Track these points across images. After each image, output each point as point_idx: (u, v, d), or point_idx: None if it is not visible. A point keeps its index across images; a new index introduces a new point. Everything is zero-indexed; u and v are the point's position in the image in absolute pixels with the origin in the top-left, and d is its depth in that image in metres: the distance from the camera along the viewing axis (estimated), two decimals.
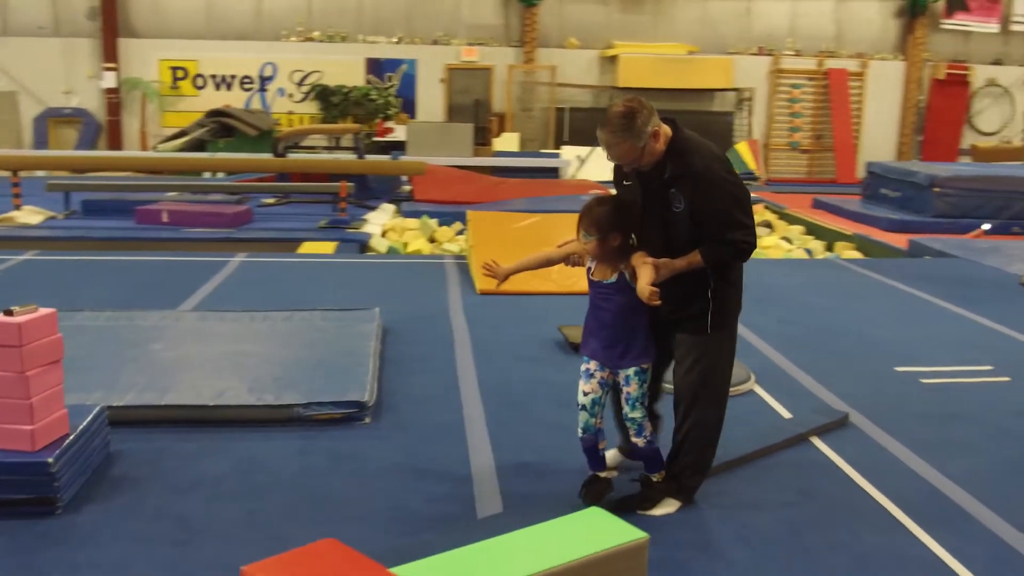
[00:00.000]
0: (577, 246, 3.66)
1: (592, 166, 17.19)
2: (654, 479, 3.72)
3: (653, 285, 3.33)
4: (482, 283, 7.57)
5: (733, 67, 18.21)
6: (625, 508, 3.61)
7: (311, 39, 17.82)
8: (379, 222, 11.88)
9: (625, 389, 3.61)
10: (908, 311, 7.38)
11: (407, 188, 14.25)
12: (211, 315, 6.09)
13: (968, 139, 19.10)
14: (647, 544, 2.30)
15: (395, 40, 17.99)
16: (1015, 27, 18.56)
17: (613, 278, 3.52)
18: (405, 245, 11.00)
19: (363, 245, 10.48)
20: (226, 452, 4.17)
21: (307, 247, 10.02)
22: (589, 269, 3.62)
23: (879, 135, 18.63)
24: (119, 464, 4.02)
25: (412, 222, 11.97)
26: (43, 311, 3.64)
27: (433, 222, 11.94)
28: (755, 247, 3.55)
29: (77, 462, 3.73)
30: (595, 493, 3.70)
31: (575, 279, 7.67)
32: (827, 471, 4.22)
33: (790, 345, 6.14)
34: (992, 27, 18.41)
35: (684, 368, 3.64)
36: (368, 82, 17.84)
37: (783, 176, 18.46)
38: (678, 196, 3.43)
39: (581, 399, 3.67)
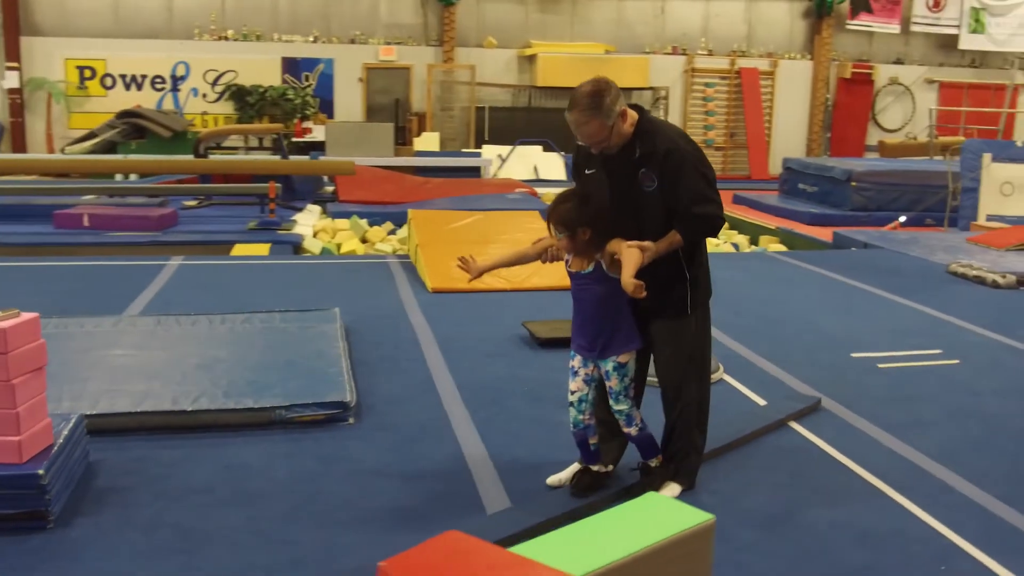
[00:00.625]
0: (552, 241, 3.66)
1: (513, 165, 17.24)
2: (652, 464, 3.77)
3: (638, 273, 3.34)
4: (434, 281, 7.52)
5: (649, 66, 18.50)
6: (582, 488, 3.68)
7: (225, 38, 17.41)
8: (308, 223, 11.69)
9: (607, 384, 3.62)
10: (848, 300, 7.62)
11: (330, 189, 14.07)
12: (167, 320, 5.89)
13: (873, 136, 19.83)
14: (714, 524, 2.32)
15: (311, 39, 17.73)
16: (915, 28, 19.36)
17: (590, 268, 3.53)
18: (338, 246, 10.86)
19: (296, 246, 10.30)
20: (211, 458, 4.05)
21: (240, 249, 9.79)
22: (567, 262, 3.62)
23: (790, 132, 19.19)
24: (102, 475, 3.86)
25: (342, 222, 11.80)
26: (26, 315, 3.47)
27: (363, 222, 11.81)
28: (724, 221, 3.63)
29: (63, 474, 3.57)
30: (585, 485, 3.72)
31: (526, 276, 7.70)
32: (811, 453, 4.33)
33: (747, 335, 6.28)
34: (894, 28, 19.16)
35: (667, 353, 3.69)
36: (285, 82, 17.53)
37: None
38: (649, 175, 3.47)
39: (569, 396, 3.69)
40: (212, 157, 13.18)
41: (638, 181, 3.49)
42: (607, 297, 3.54)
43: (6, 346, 3.33)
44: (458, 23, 17.97)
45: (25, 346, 3.43)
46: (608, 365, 3.58)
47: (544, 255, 3.73)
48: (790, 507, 3.73)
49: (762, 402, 4.98)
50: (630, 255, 3.38)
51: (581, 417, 3.67)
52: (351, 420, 4.51)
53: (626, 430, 3.70)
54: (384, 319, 6.54)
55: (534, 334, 5.96)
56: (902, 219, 12.41)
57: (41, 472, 3.36)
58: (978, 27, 19.17)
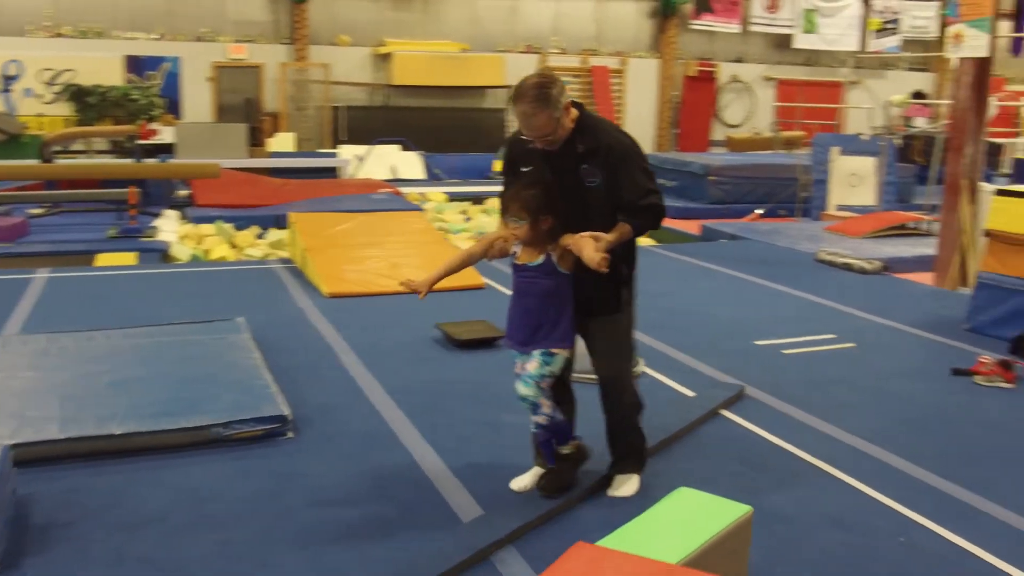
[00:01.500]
0: (497, 236, 3.62)
1: (371, 165, 17.01)
2: (564, 451, 3.70)
3: (582, 271, 3.36)
4: (329, 286, 7.33)
5: (504, 65, 18.64)
6: (547, 487, 3.67)
7: (61, 35, 16.35)
8: (171, 229, 11.16)
9: (523, 365, 3.57)
10: (734, 290, 7.93)
11: (184, 192, 13.49)
12: (58, 337, 5.48)
13: (717, 131, 20.69)
14: (752, 516, 2.37)
15: (156, 37, 16.90)
16: (753, 28, 20.30)
17: (539, 260, 3.51)
18: (207, 252, 10.42)
19: (163, 254, 9.83)
20: (156, 483, 3.80)
21: (105, 259, 9.25)
22: (514, 254, 3.58)
23: (640, 129, 19.73)
24: (36, 510, 3.56)
25: (207, 227, 11.31)
26: None
27: (229, 227, 11.38)
28: (666, 211, 3.66)
29: None
30: (554, 485, 3.68)
31: (415, 277, 7.59)
32: (753, 440, 4.48)
33: (653, 328, 6.41)
34: (734, 28, 20.04)
35: (605, 350, 3.70)
36: (128, 81, 16.64)
37: None
38: (592, 170, 3.48)
39: (523, 402, 3.63)
40: (59, 162, 12.36)
41: (580, 176, 3.50)
42: (554, 292, 3.54)
43: None
44: (310, 20, 17.56)
45: None
46: (536, 351, 3.55)
47: (490, 250, 3.65)
48: (752, 494, 3.83)
49: (690, 393, 5.11)
50: (584, 240, 3.38)
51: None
52: (290, 434, 4.34)
53: (533, 418, 3.61)
54: (287, 327, 6.32)
55: (451, 336, 5.91)
56: (759, 211, 13.00)
57: None
58: (810, 27, 20.31)
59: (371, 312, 6.74)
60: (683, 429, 4.51)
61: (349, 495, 3.75)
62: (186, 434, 4.14)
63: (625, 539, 2.18)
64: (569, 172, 3.51)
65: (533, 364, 3.54)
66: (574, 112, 3.49)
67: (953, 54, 8.28)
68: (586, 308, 3.63)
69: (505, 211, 3.53)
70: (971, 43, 8.05)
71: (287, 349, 5.71)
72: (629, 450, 3.84)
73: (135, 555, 3.24)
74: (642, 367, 5.50)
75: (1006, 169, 15.02)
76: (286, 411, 4.36)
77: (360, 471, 3.99)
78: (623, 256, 3.59)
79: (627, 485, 3.80)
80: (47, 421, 4.12)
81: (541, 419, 3.59)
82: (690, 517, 2.28)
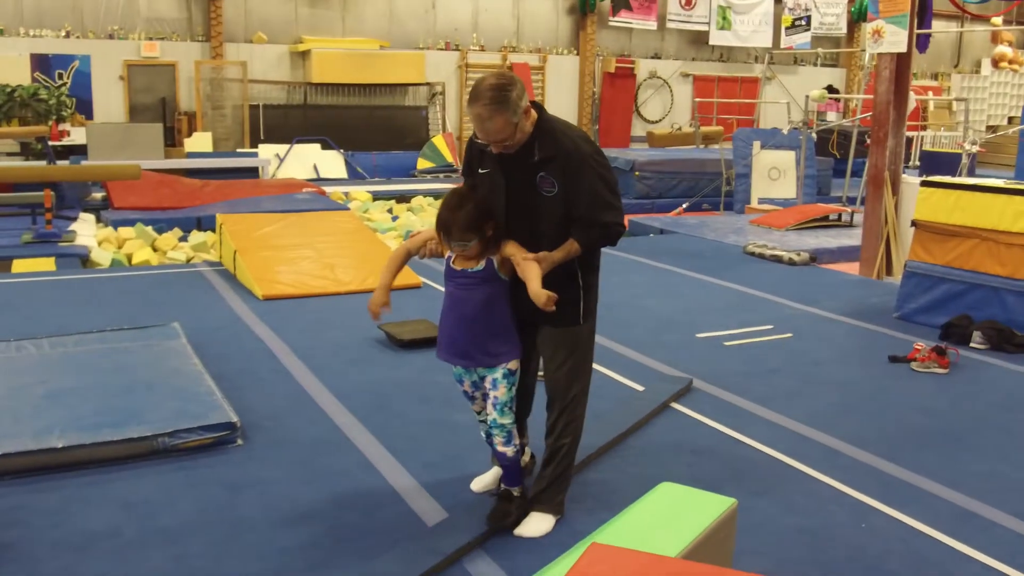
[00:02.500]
0: (429, 234, 3.45)
1: (291, 164, 16.74)
2: (515, 493, 3.48)
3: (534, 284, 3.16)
4: (264, 288, 7.16)
5: (424, 62, 18.51)
6: (492, 524, 3.38)
7: None
8: (88, 233, 10.78)
9: (492, 393, 3.36)
10: (666, 283, 8.01)
11: (99, 195, 13.06)
12: None
13: (637, 127, 20.91)
14: (736, 508, 2.38)
15: (63, 34, 16.28)
16: (670, 24, 20.55)
17: (480, 266, 3.31)
18: (129, 256, 10.11)
19: (83, 259, 9.49)
20: (101, 498, 3.65)
21: (21, 265, 8.89)
22: (449, 258, 3.38)
23: None
24: None
25: (127, 231, 10.96)
26: None
27: (149, 229, 11.06)
28: (625, 229, 3.50)
29: None
30: (502, 511, 3.43)
31: (363, 278, 7.50)
32: (703, 431, 4.52)
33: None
34: (651, 24, 20.26)
35: (556, 363, 3.43)
36: (35, 80, 16.01)
37: None
38: (548, 179, 3.26)
39: (478, 417, 3.56)
40: None
41: (536, 185, 3.28)
42: (493, 299, 3.33)
43: None
44: (225, 17, 17.14)
45: None
46: (497, 373, 3.35)
47: (423, 250, 3.49)
48: (708, 485, 3.83)
49: (639, 387, 5.13)
50: (529, 267, 3.20)
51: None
52: (240, 441, 4.22)
53: (502, 449, 3.39)
54: (222, 331, 6.15)
55: (394, 337, 5.82)
56: (685, 205, 13.18)
57: None
58: (725, 24, 20.67)
59: (308, 314, 6.61)
60: (637, 423, 4.52)
61: (306, 503, 3.66)
62: (131, 445, 3.99)
63: (615, 536, 2.16)
64: (523, 179, 3.29)
65: (501, 390, 3.35)
66: (533, 115, 3.27)
67: (873, 49, 8.51)
68: (540, 317, 3.32)
69: (446, 235, 3.27)
70: (891, 39, 8.28)
71: (225, 354, 5.56)
72: (554, 485, 3.49)
73: (88, 574, 3.10)
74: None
75: (915, 162, 15.54)
76: (234, 418, 4.23)
77: (314, 477, 3.89)
78: (582, 266, 3.39)
79: (539, 523, 3.43)
80: None
81: (510, 451, 3.39)
82: (677, 512, 2.27)
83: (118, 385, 4.64)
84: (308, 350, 5.69)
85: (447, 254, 3.40)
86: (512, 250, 3.30)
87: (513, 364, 3.38)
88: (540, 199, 3.30)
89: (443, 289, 3.48)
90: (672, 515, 2.25)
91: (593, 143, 3.41)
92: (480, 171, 3.42)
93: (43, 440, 3.91)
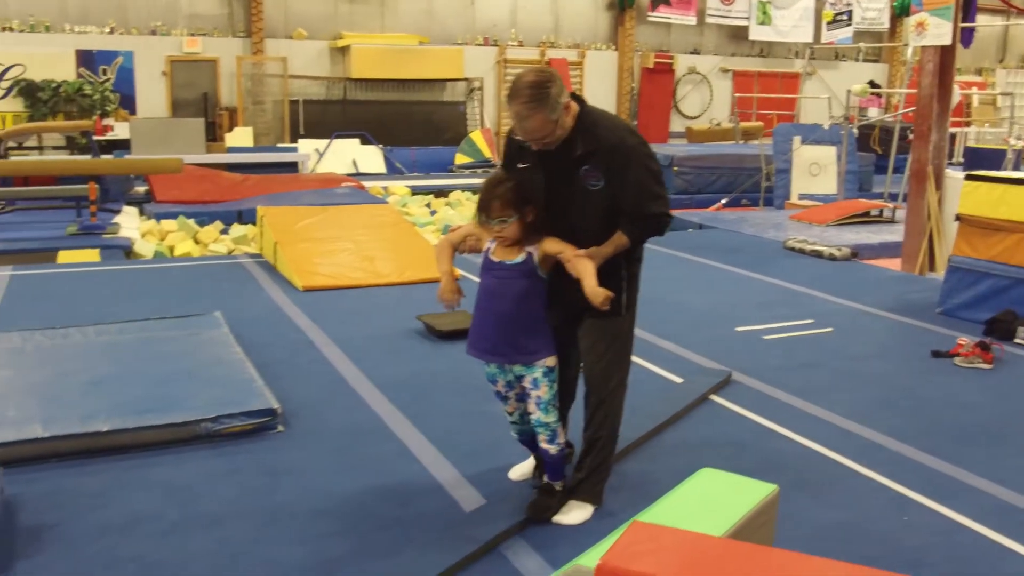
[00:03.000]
0: (469, 230, 3.44)
1: (331, 159, 16.86)
2: (557, 487, 3.46)
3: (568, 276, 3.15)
4: (304, 280, 7.23)
5: (462, 57, 18.55)
6: (533, 516, 3.37)
7: (10, 28, 15.93)
8: (132, 226, 10.95)
9: (534, 393, 3.32)
10: (706, 278, 7.97)
11: (141, 189, 13.26)
12: (31, 334, 5.33)
13: (675, 123, 20.81)
14: (778, 494, 2.37)
15: (107, 30, 16.54)
16: (709, 20, 20.44)
17: (520, 258, 3.25)
18: (171, 248, 10.24)
19: (127, 251, 9.64)
20: (144, 482, 3.71)
21: (67, 256, 9.04)
22: (487, 250, 3.33)
23: None
24: (23, 511, 3.44)
25: (169, 223, 11.12)
26: None
27: (191, 222, 11.20)
28: (672, 218, 3.40)
29: None
30: (543, 505, 3.39)
31: (401, 270, 7.54)
32: (742, 423, 4.49)
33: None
34: (690, 20, 20.16)
35: (597, 354, 3.41)
36: (80, 76, 16.27)
37: None
38: (594, 173, 3.21)
39: (508, 417, 3.50)
40: (13, 158, 12.06)
41: (579, 179, 3.23)
42: (529, 294, 3.27)
43: None
44: (265, 13, 17.30)
45: None
46: (536, 372, 3.30)
47: (463, 245, 3.47)
48: (747, 475, 3.84)
49: (677, 379, 5.11)
50: (583, 265, 3.16)
51: (527, 427, 3.45)
52: (280, 428, 4.26)
53: (545, 446, 3.37)
54: (263, 321, 6.22)
55: (433, 327, 5.85)
56: (724, 201, 13.09)
57: None
58: (765, 19, 20.50)
59: (347, 305, 6.66)
60: (676, 415, 4.51)
61: (345, 489, 3.69)
62: (174, 430, 4.05)
63: (656, 518, 2.15)
64: (565, 174, 3.25)
65: (543, 389, 3.31)
66: (575, 108, 3.21)
67: (917, 42, 8.39)
68: (582, 309, 3.28)
69: (485, 213, 3.21)
70: (934, 31, 8.16)
71: (266, 344, 5.61)
72: (592, 475, 3.49)
73: (129, 555, 3.15)
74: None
75: (959, 158, 15.31)
76: (276, 405, 4.28)
77: (354, 464, 3.92)
78: (626, 255, 3.36)
79: (578, 512, 3.43)
80: (28, 420, 3.99)
81: (554, 449, 3.36)
82: (718, 496, 2.26)
83: (161, 372, 4.70)
84: (347, 340, 5.74)
85: (485, 247, 3.36)
86: (557, 247, 3.24)
87: (551, 361, 3.33)
88: (583, 193, 3.25)
89: (476, 279, 3.47)
90: (713, 499, 2.25)
91: (638, 134, 3.37)
92: (520, 166, 3.37)
93: (89, 424, 3.98)
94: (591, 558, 1.98)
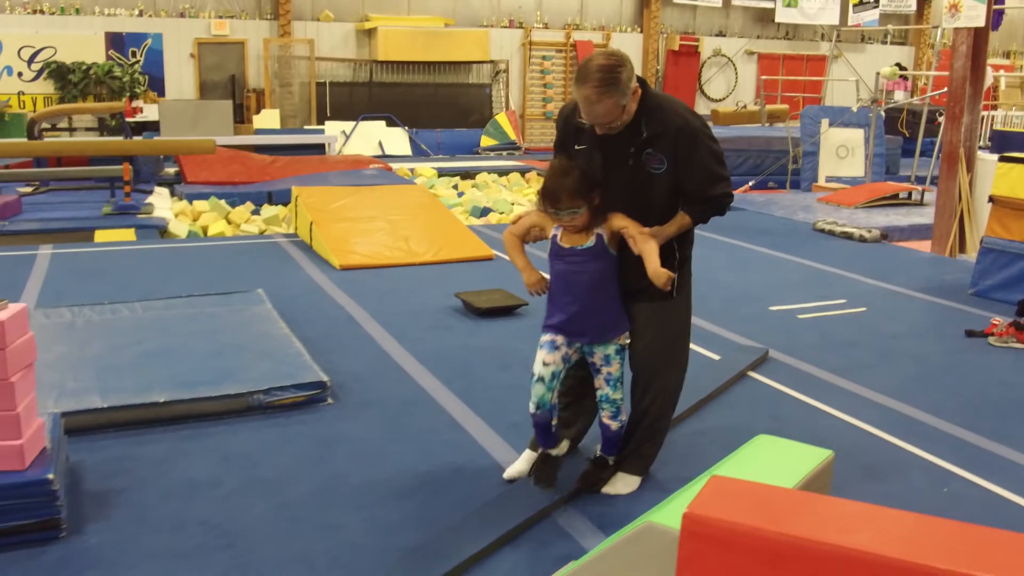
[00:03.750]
0: (531, 220, 3.40)
1: (357, 141, 16.96)
2: (610, 461, 3.52)
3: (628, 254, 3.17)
4: (341, 258, 7.33)
5: (488, 40, 18.57)
6: (584, 487, 3.45)
7: (41, 11, 16.09)
8: (165, 206, 11.09)
9: (606, 369, 3.35)
10: (739, 258, 8.02)
11: (171, 170, 13.40)
12: (80, 310, 5.46)
13: (700, 105, 20.75)
14: (833, 459, 2.44)
15: (136, 13, 16.67)
16: (735, 2, 20.35)
17: (590, 242, 3.26)
18: (205, 229, 10.38)
19: (162, 230, 9.78)
20: (203, 451, 3.82)
21: (104, 235, 9.18)
22: (555, 237, 3.32)
23: None
24: (88, 477, 3.56)
25: (202, 204, 11.26)
26: (15, 306, 3.16)
27: (223, 203, 11.33)
28: (733, 198, 3.40)
29: (61, 478, 3.28)
30: (548, 475, 3.41)
31: (437, 250, 7.63)
32: (781, 399, 4.57)
33: None
34: (716, 2, 20.07)
35: (648, 337, 3.41)
36: (110, 58, 16.42)
37: (540, 145, 19.14)
38: (657, 156, 3.20)
39: (539, 370, 3.29)
40: (47, 139, 12.21)
41: (642, 162, 3.22)
42: (605, 275, 3.30)
43: (4, 340, 3.02)
44: None
45: (18, 340, 3.13)
46: (610, 348, 3.33)
47: (528, 235, 3.44)
48: None
49: (715, 356, 5.18)
50: (647, 244, 3.18)
51: (549, 396, 3.29)
52: (330, 400, 4.37)
53: (608, 422, 3.41)
54: (303, 298, 6.33)
55: (471, 305, 5.94)
56: (751, 183, 13.09)
57: (51, 477, 3.09)
58: (791, 1, 20.30)
59: (385, 284, 6.76)
60: (716, 390, 4.58)
61: (397, 457, 3.79)
62: (227, 401, 4.16)
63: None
64: (627, 157, 3.23)
65: (615, 366, 3.34)
66: (638, 92, 3.17)
67: (950, 24, 8.38)
68: (635, 291, 3.34)
69: (554, 205, 3.21)
70: (968, 13, 8.14)
71: (308, 320, 5.72)
72: (642, 448, 3.54)
73: (194, 519, 3.26)
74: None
75: (986, 141, 15.22)
76: (325, 378, 4.38)
77: (404, 434, 4.02)
78: (679, 238, 3.37)
79: (626, 483, 3.50)
80: (87, 391, 4.12)
81: (615, 424, 3.40)
82: (777, 459, 2.35)
83: (211, 346, 4.82)
84: (388, 317, 5.84)
85: (551, 234, 3.34)
86: (624, 223, 3.25)
87: (625, 338, 3.37)
88: (645, 176, 3.24)
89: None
90: (773, 462, 2.33)
91: (699, 116, 3.35)
92: (576, 147, 3.35)
93: (145, 395, 4.10)
94: (659, 515, 2.07)
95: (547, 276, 3.42)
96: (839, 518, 1.52)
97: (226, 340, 4.94)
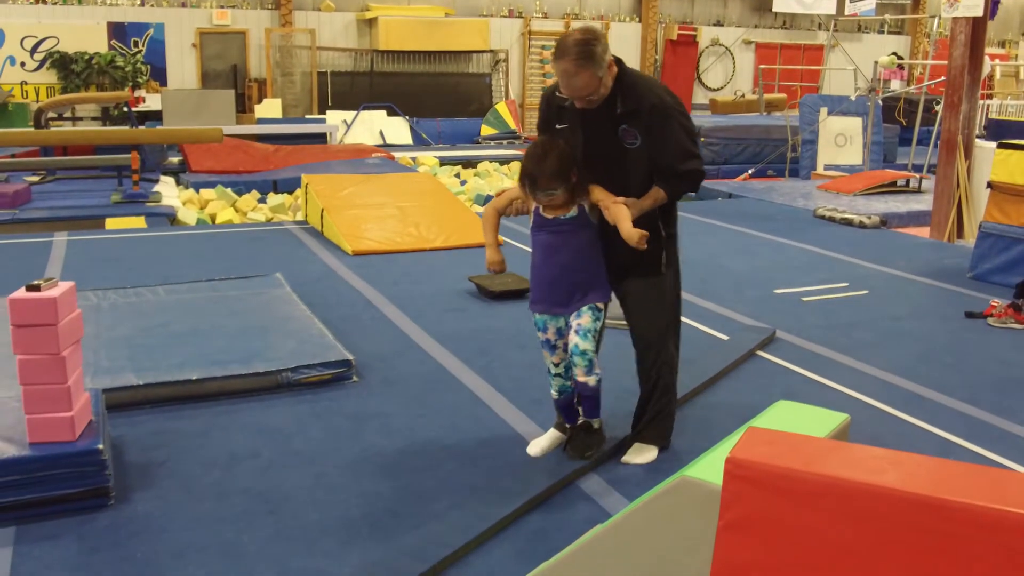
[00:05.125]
0: (513, 194, 3.54)
1: (358, 130, 17.06)
2: (595, 425, 3.60)
3: (615, 233, 3.23)
4: (353, 244, 7.48)
5: (488, 29, 18.67)
6: (573, 456, 3.56)
7: (43, 1, 16.16)
8: (172, 194, 11.22)
9: (576, 322, 3.41)
10: (742, 244, 8.18)
11: (175, 159, 13.53)
12: (104, 294, 5.61)
13: (698, 95, 20.90)
14: (849, 422, 2.60)
15: (139, 2, 16.74)
16: None
17: (573, 212, 3.38)
18: (213, 216, 10.51)
19: (171, 218, 9.91)
20: (238, 425, 3.97)
21: (115, 223, 9.31)
22: (537, 209, 3.43)
23: None
24: (129, 450, 3.72)
25: (208, 192, 11.39)
26: (64, 284, 3.31)
27: (229, 191, 11.47)
28: (706, 175, 3.58)
29: (108, 449, 3.44)
30: (580, 446, 3.58)
31: (448, 236, 7.77)
32: (790, 376, 4.73)
33: None
34: None
35: (644, 312, 3.56)
36: (112, 48, 16.50)
37: None
38: (632, 132, 3.34)
39: (552, 369, 3.54)
40: (53, 128, 12.32)
41: (619, 137, 3.36)
42: (588, 244, 3.42)
43: (56, 316, 3.17)
44: None
45: (68, 317, 3.28)
46: (584, 307, 3.43)
47: (510, 208, 3.60)
48: None
49: (724, 336, 5.35)
50: (619, 210, 3.29)
51: (568, 383, 3.54)
52: (355, 378, 4.52)
53: (583, 379, 3.44)
54: (320, 282, 6.48)
55: (485, 288, 6.09)
56: (750, 171, 13.25)
57: (100, 447, 3.24)
58: None
59: (398, 268, 6.91)
60: (727, 368, 4.75)
61: (424, 430, 3.95)
62: (258, 379, 4.31)
63: None
64: (605, 132, 3.37)
65: (586, 318, 3.41)
66: (614, 69, 3.33)
67: (949, 14, 8.53)
68: (624, 269, 3.49)
69: (532, 187, 3.34)
70: (967, 3, 8.30)
71: (326, 303, 5.87)
72: (657, 419, 3.67)
73: (237, 488, 3.42)
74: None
75: (981, 130, 15.39)
76: (350, 356, 4.54)
77: (430, 410, 4.18)
78: (663, 216, 3.48)
79: (645, 454, 3.64)
80: (122, 370, 4.26)
81: (592, 380, 3.43)
82: (799, 422, 2.50)
83: (236, 327, 4.97)
84: (404, 300, 5.99)
85: (534, 206, 3.45)
86: (600, 195, 3.37)
87: (601, 303, 3.46)
88: (622, 151, 3.37)
89: (521, 246, 3.63)
90: (795, 424, 2.48)
91: (673, 94, 3.47)
92: (558, 126, 3.49)
93: (179, 373, 4.25)
94: (693, 471, 2.23)
95: (504, 263, 3.57)
96: (869, 460, 1.68)
97: (250, 321, 5.09)
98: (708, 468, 2.15)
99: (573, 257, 3.41)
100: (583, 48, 3.20)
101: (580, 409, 3.64)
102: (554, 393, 3.61)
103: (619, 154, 3.38)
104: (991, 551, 1.53)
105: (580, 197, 3.39)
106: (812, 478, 1.63)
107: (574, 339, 3.41)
